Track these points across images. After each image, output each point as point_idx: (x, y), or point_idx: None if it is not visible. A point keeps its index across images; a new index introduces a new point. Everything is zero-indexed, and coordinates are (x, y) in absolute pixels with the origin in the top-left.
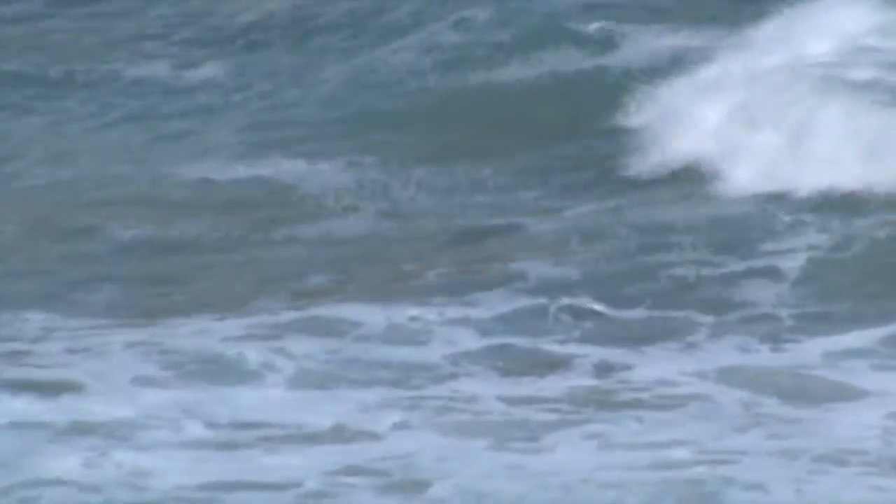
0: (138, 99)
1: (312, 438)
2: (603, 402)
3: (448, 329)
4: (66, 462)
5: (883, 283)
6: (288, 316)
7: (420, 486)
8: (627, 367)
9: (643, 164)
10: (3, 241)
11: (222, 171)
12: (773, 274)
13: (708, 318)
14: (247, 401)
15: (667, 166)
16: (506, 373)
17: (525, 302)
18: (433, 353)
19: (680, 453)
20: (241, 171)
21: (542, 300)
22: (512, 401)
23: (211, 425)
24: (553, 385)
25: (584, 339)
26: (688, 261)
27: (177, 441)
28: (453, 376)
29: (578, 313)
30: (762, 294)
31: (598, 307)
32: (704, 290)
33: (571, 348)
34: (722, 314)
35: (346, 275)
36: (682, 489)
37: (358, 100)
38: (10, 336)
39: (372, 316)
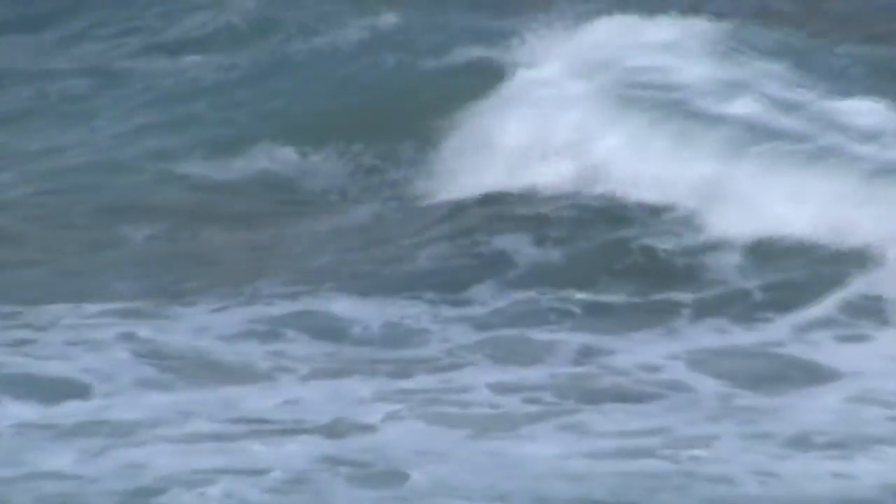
0: (143, 91)
1: (307, 431)
2: (584, 391)
3: (442, 323)
4: (65, 457)
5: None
6: (289, 308)
7: (397, 474)
8: (610, 353)
9: None
10: (17, 232)
11: (220, 163)
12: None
13: (682, 297)
14: (249, 398)
15: None
16: (497, 362)
17: (513, 290)
18: (429, 346)
19: (652, 442)
20: (237, 163)
21: (529, 285)
22: (499, 391)
23: (211, 422)
24: (538, 374)
25: (571, 327)
26: (651, 237)
27: (176, 436)
28: (447, 367)
29: (563, 299)
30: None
31: (581, 293)
32: (673, 270)
33: (558, 335)
34: (693, 293)
35: (345, 261)
36: (649, 481)
37: (332, 89)
38: (21, 327)
39: (370, 307)
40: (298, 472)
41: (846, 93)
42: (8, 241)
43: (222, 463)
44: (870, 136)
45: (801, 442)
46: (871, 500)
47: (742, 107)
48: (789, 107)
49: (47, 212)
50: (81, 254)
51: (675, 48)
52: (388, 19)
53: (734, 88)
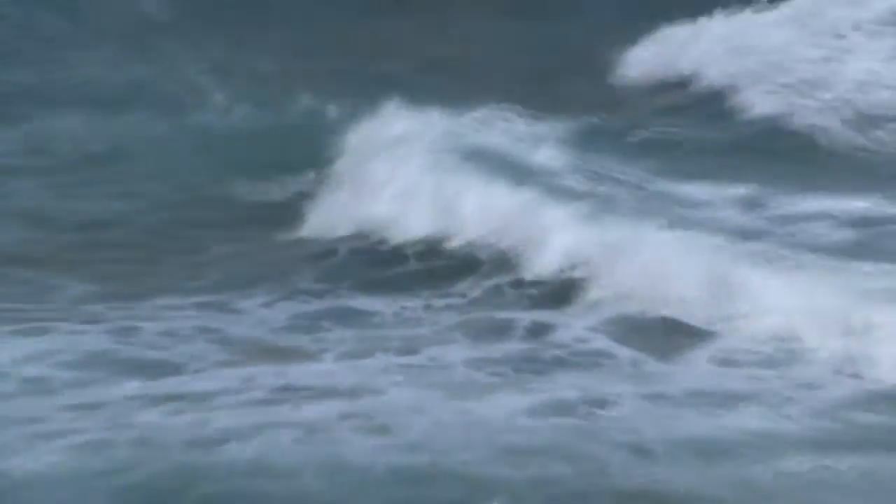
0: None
1: (333, 395)
2: (532, 361)
3: (433, 312)
4: (153, 416)
5: None
6: (322, 305)
7: (392, 427)
8: (552, 329)
9: None
10: (127, 245)
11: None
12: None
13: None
14: (294, 372)
15: None
16: (471, 340)
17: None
18: (423, 328)
19: (579, 402)
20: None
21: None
22: (470, 365)
23: (264, 390)
24: (500, 349)
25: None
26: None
27: (237, 401)
28: (435, 344)
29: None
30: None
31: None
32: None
33: (515, 314)
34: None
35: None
36: (576, 432)
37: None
38: (129, 318)
39: (381, 302)
40: (321, 426)
41: (684, 175)
42: (119, 253)
43: (266, 419)
44: (692, 205)
45: (687, 399)
46: (739, 443)
47: (570, 178)
48: (615, 181)
49: (147, 229)
50: (170, 260)
51: (533, 137)
52: (304, 99)
53: (569, 166)
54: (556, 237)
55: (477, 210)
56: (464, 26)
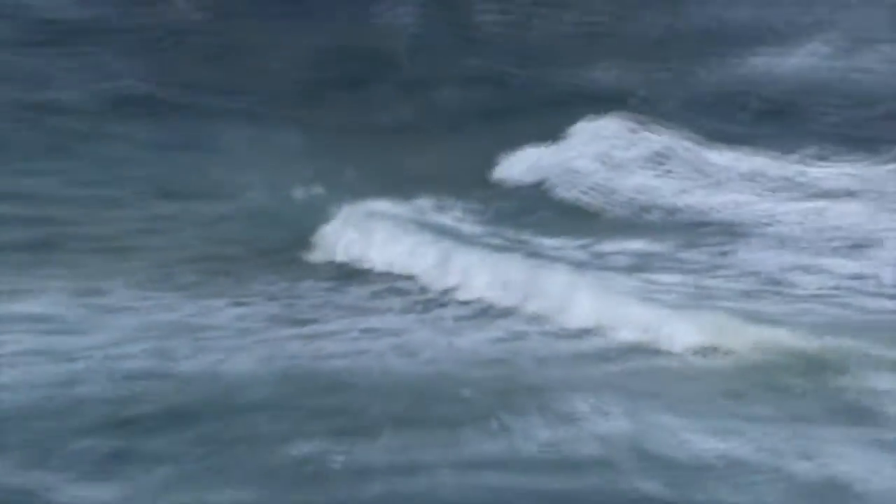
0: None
1: (384, 335)
2: (486, 316)
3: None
4: (293, 348)
5: None
6: (377, 287)
7: (413, 353)
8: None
9: None
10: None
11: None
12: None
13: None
14: (368, 323)
15: None
16: (457, 302)
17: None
18: (431, 293)
19: (506, 336)
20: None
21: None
22: (457, 318)
23: (351, 330)
24: (467, 310)
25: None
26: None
27: (338, 338)
28: (439, 307)
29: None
30: None
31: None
32: None
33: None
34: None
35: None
36: (507, 353)
37: None
38: (289, 298)
39: (411, 285)
40: (381, 350)
41: (546, 234)
42: (280, 263)
43: (355, 347)
44: (550, 249)
45: (558, 332)
46: (582, 356)
47: (480, 237)
48: (506, 237)
49: (285, 248)
50: (305, 265)
51: (457, 216)
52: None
53: (478, 231)
54: (460, 260)
55: (423, 249)
56: (434, 153)
